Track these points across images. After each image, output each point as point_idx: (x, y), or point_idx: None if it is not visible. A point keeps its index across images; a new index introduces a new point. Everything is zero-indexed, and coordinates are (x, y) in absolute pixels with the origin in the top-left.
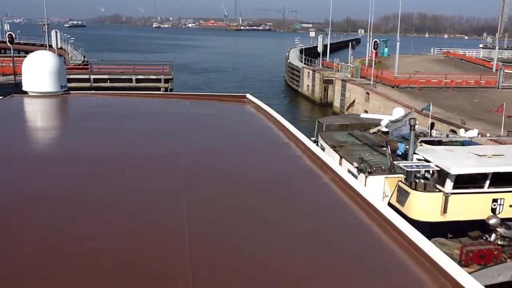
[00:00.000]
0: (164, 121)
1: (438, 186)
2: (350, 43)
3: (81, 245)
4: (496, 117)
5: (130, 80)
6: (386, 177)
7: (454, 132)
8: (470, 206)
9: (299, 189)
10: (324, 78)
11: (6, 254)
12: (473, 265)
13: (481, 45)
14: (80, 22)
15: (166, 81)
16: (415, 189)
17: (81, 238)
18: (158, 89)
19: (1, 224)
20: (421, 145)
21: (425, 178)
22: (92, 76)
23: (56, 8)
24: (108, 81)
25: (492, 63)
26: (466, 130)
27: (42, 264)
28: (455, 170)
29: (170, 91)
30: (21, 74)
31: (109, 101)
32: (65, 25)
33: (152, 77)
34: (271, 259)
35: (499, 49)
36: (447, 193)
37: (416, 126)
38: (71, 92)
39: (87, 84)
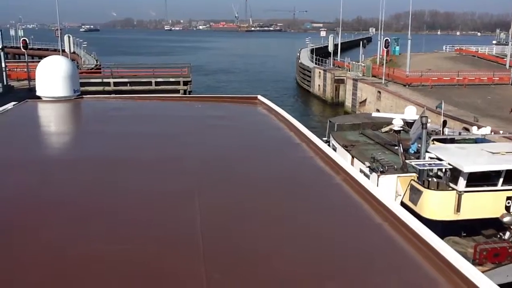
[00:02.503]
0: (176, 124)
1: (451, 185)
2: (361, 42)
3: (94, 247)
4: (509, 114)
5: (149, 83)
6: (399, 176)
7: (467, 129)
8: (483, 204)
9: (312, 189)
10: (335, 77)
11: (20, 257)
12: (487, 263)
13: (494, 42)
14: (92, 27)
15: (185, 83)
16: (428, 187)
17: (94, 240)
18: (177, 91)
19: (15, 226)
20: (433, 143)
21: (438, 177)
22: (112, 80)
23: (69, 13)
24: (128, 85)
25: (505, 59)
26: (479, 127)
27: (55, 265)
28: (468, 168)
29: (189, 93)
30: (35, 79)
31: (122, 105)
32: (81, 30)
33: (171, 79)
34: (284, 259)
35: None
36: (460, 192)
37: (428, 125)
38: (84, 96)
39: (108, 88)
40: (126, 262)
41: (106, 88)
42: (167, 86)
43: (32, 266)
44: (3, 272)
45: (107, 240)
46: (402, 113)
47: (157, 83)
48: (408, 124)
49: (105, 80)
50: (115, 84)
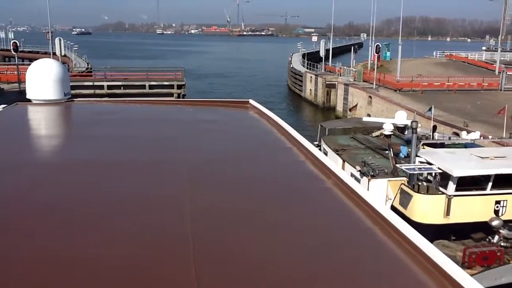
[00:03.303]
0: (168, 128)
1: (441, 189)
2: (352, 47)
3: (85, 251)
4: (499, 119)
5: (143, 87)
6: (389, 180)
7: (457, 134)
8: (473, 208)
9: (302, 193)
10: (327, 82)
11: (13, 261)
12: (476, 266)
13: (484, 48)
14: (83, 30)
15: (179, 87)
16: (418, 191)
17: (85, 244)
18: (171, 95)
19: (6, 231)
20: (423, 148)
21: (428, 181)
22: (106, 83)
23: (60, 16)
24: (122, 88)
25: (494, 65)
26: (469, 132)
27: (46, 270)
28: (457, 172)
29: (183, 97)
30: (25, 82)
31: (112, 108)
32: (73, 33)
33: (165, 83)
34: (275, 263)
35: (501, 51)
36: (449, 196)
37: (419, 129)
38: (74, 99)
39: (102, 91)
40: (115, 265)
41: (100, 91)
42: (161, 90)
43: (25, 270)
44: None
45: (98, 243)
46: (392, 117)
47: (151, 87)
48: (399, 129)
49: (99, 83)
50: (109, 87)
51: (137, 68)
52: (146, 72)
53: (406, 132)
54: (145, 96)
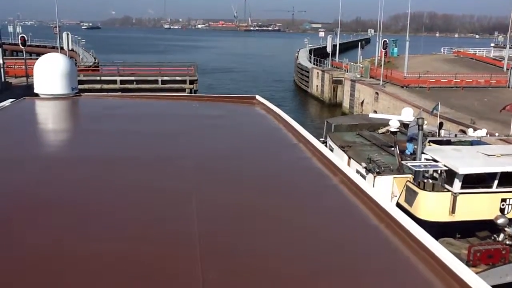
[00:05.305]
0: (174, 123)
1: (447, 186)
2: (359, 43)
3: (90, 247)
4: (506, 117)
5: (156, 82)
6: (395, 177)
7: (463, 132)
8: (478, 206)
9: (309, 190)
10: (333, 78)
11: (18, 256)
12: (481, 265)
13: (492, 44)
14: (91, 24)
15: (191, 82)
16: (423, 189)
17: (91, 240)
18: (183, 90)
19: (11, 225)
20: (429, 145)
21: (434, 178)
22: (119, 78)
23: (67, 10)
24: (135, 83)
25: (503, 62)
26: (475, 129)
27: (50, 265)
28: (463, 169)
29: (195, 92)
30: (33, 76)
31: (120, 103)
32: (83, 27)
33: (177, 78)
34: (280, 260)
35: (510, 48)
36: (455, 193)
37: (425, 126)
38: (82, 94)
39: (115, 86)
40: (121, 261)
41: (113, 86)
42: (174, 85)
43: (30, 265)
44: (1, 272)
45: (104, 239)
46: (399, 114)
47: (163, 82)
48: (405, 126)
49: (111, 78)
50: (122, 82)
51: (149, 63)
52: (158, 67)
53: (409, 128)
54: (158, 91)
